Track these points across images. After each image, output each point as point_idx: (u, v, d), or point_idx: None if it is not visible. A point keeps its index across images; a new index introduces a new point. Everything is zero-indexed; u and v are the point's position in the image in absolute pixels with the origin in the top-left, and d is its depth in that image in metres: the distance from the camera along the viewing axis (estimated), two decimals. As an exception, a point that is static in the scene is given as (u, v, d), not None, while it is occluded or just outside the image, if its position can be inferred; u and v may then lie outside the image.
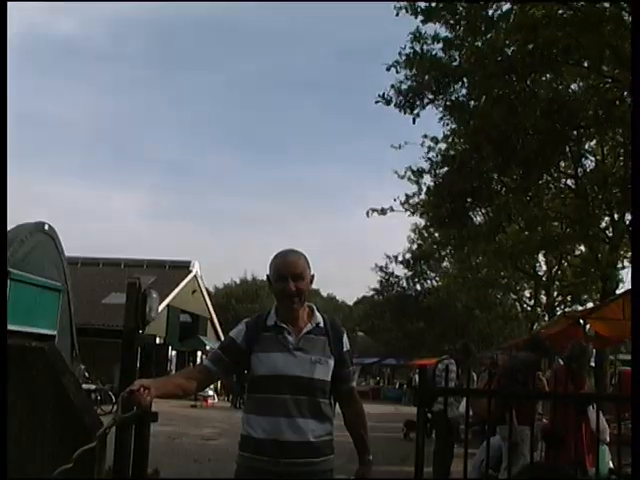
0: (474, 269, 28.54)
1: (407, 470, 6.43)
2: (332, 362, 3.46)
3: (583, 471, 7.33)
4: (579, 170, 20.52)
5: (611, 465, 8.42)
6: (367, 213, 21.84)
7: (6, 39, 3.35)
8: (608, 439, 8.47)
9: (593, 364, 8.30)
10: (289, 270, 3.42)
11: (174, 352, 34.29)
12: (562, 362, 8.13)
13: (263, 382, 3.35)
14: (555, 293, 29.21)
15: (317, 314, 3.54)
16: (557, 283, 28.82)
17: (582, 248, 22.83)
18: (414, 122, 16.81)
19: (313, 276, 3.55)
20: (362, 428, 3.62)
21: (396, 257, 48.46)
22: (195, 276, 36.41)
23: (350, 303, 73.04)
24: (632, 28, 2.85)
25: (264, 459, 3.28)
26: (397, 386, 43.53)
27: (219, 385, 30.62)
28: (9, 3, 3.68)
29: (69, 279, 13.74)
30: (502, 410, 7.47)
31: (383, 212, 22.22)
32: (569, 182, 20.56)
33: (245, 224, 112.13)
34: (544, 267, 29.40)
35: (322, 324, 3.52)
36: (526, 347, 8.32)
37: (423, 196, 22.18)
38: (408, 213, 23.81)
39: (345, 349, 3.56)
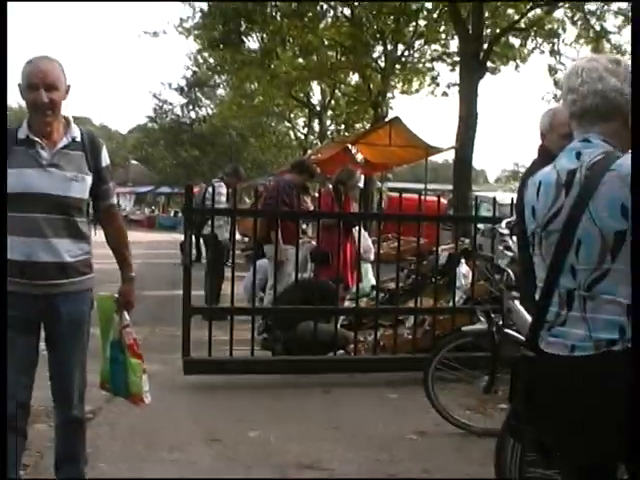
0: (249, 96, 28.18)
1: (177, 294, 6.38)
2: (90, 179, 3.26)
3: (345, 287, 7.71)
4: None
5: (373, 282, 8.92)
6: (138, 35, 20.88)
7: (6, 39, 3.21)
8: (372, 257, 8.94)
9: (361, 187, 8.51)
10: (41, 78, 3.10)
11: None
12: (331, 187, 8.29)
13: (16, 201, 3.09)
14: (328, 122, 29.84)
15: (74, 127, 3.27)
16: (330, 112, 29.37)
17: (355, 77, 23.23)
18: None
19: (69, 87, 3.24)
20: (123, 246, 3.52)
21: (170, 84, 46.95)
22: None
23: (123, 132, 70.80)
24: (632, 28, 2.72)
25: (24, 282, 3.14)
26: (172, 214, 43.37)
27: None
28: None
29: None
30: (268, 230, 7.57)
31: (155, 35, 21.54)
32: (345, 10, 20.48)
33: None
34: (318, 96, 29.84)
35: (79, 138, 3.27)
36: (292, 169, 8.38)
37: (197, 19, 21.32)
38: (182, 37, 22.89)
39: (104, 164, 3.37)
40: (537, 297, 2.36)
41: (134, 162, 55.84)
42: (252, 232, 7.65)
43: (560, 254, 2.25)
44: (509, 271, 4.31)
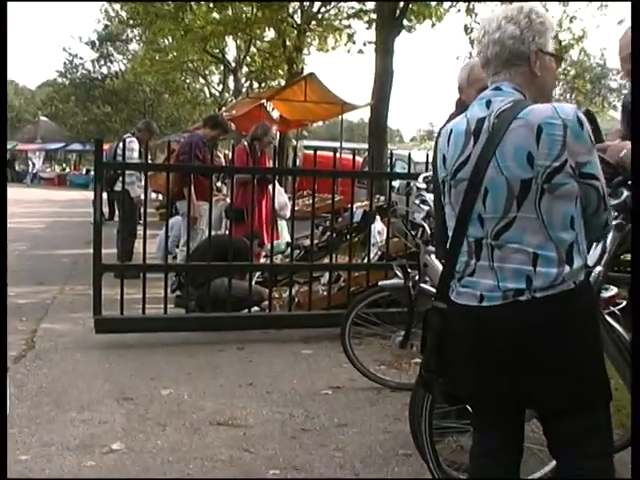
0: (163, 51, 27.52)
1: (90, 252, 6.20)
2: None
3: (260, 243, 7.64)
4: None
5: (288, 239, 8.90)
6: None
7: (6, 39, 3.29)
8: (288, 214, 8.90)
9: (276, 145, 8.42)
10: None
11: None
12: (246, 143, 8.16)
13: None
14: (243, 79, 29.48)
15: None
16: (246, 69, 29.00)
17: (271, 33, 22.92)
18: None
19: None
20: None
21: (80, 37, 45.52)
22: None
23: (32, 87, 68.45)
24: (632, 28, 2.63)
25: None
26: (84, 172, 42.24)
27: None
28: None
29: None
30: (181, 186, 7.43)
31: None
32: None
33: None
34: (233, 52, 29.39)
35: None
36: (204, 124, 8.22)
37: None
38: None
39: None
40: (447, 247, 2.37)
41: (44, 118, 54.24)
42: (165, 188, 7.49)
43: (468, 203, 2.25)
44: (425, 225, 4.32)
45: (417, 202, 4.39)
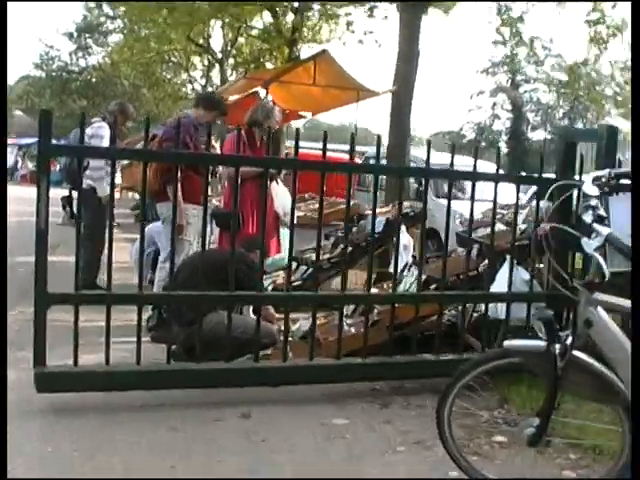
0: (143, 39, 25.53)
1: (55, 260, 4.39)
2: None
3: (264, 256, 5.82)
4: None
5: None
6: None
7: (6, 39, 3.50)
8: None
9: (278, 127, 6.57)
10: None
11: None
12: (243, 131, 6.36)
13: None
14: (229, 71, 27.62)
15: None
16: (232, 60, 27.22)
17: (263, 18, 21.18)
18: None
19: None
20: None
21: (57, 29, 43.95)
22: None
23: (11, 82, 66.47)
24: (632, 28, 1.24)
25: None
26: (58, 169, 40.27)
27: None
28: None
29: None
30: (163, 182, 5.64)
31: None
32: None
33: None
34: (219, 41, 27.55)
35: None
36: (197, 104, 6.35)
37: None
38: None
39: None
40: None
41: (18, 112, 52.35)
42: (141, 184, 5.69)
43: None
44: (598, 258, 2.57)
45: (588, 219, 2.64)
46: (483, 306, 5.04)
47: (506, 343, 3.05)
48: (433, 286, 5.29)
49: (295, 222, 4.71)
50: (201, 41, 26.44)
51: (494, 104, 45.05)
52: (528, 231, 5.59)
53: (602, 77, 40.56)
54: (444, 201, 6.28)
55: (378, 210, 7.92)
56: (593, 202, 2.67)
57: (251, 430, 3.96)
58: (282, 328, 5.07)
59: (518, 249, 5.14)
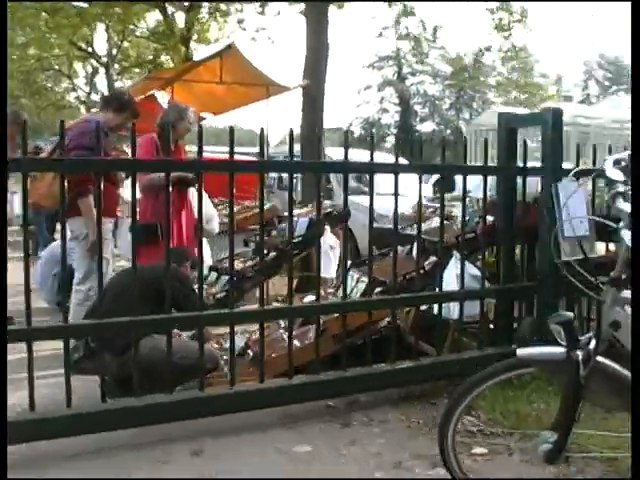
0: (21, 47, 24.08)
1: None
2: None
3: (192, 264, 5.28)
4: None
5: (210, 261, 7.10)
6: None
7: (6, 39, 0.83)
8: (216, 229, 6.76)
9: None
10: None
11: None
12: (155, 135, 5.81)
13: None
14: (115, 76, 26.50)
15: None
16: (117, 66, 26.15)
17: (150, 20, 20.46)
18: None
19: None
20: None
21: None
22: None
23: None
24: (632, 28, 0.91)
25: None
26: None
27: None
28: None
29: None
30: (74, 195, 5.01)
31: None
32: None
33: None
34: (105, 46, 26.30)
35: None
36: (106, 106, 5.71)
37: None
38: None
39: None
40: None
41: None
42: (50, 201, 5.05)
43: None
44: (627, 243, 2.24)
45: (627, 207, 2.31)
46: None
47: (519, 352, 2.68)
48: (378, 289, 4.92)
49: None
50: (84, 45, 25.27)
51: (382, 98, 45.30)
52: (471, 224, 5.33)
53: (484, 67, 41.60)
54: (354, 197, 6.04)
55: (298, 211, 7.52)
56: (621, 188, 2.37)
57: (204, 469, 3.47)
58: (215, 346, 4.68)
59: (465, 243, 4.87)
